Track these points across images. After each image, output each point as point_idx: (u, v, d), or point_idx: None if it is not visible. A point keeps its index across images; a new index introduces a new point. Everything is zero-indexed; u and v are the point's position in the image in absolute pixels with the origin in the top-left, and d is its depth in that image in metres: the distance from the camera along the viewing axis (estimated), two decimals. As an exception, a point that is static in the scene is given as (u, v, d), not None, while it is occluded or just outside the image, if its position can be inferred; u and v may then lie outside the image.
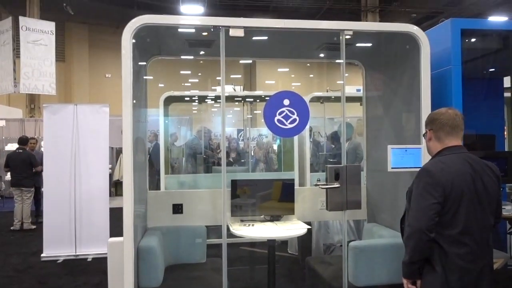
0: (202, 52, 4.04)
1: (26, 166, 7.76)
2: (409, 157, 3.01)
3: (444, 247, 2.14)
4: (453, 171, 2.18)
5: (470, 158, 2.25)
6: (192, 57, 4.64)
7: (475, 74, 4.25)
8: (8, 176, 9.13)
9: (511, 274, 3.33)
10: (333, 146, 7.28)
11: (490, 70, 4.41)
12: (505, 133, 5.39)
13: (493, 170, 2.27)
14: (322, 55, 4.08)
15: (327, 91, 7.39)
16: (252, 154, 8.81)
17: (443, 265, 2.14)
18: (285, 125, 3.04)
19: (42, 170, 6.45)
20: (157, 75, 5.11)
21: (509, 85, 5.03)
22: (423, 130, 3.07)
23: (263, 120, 3.16)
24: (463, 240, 2.14)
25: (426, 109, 3.12)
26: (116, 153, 11.73)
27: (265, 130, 11.26)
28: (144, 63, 3.85)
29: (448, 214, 2.14)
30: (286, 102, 3.04)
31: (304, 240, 5.22)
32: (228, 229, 3.51)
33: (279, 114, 3.03)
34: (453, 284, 2.13)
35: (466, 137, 2.37)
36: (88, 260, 5.91)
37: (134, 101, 3.06)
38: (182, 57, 4.53)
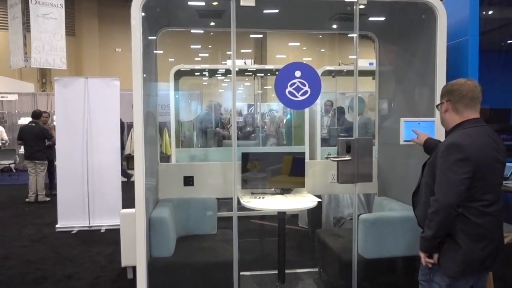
0: (212, 23, 3.97)
1: (39, 140, 7.86)
2: (422, 130, 2.94)
3: (470, 218, 2.14)
4: (480, 145, 2.16)
5: (490, 132, 2.25)
6: (202, 30, 4.59)
7: (491, 46, 4.13)
8: (22, 150, 9.29)
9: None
10: (337, 120, 7.29)
11: (508, 42, 4.28)
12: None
13: (503, 144, 2.29)
14: (334, 26, 3.99)
15: (339, 65, 7.29)
16: (264, 128, 8.80)
17: (467, 237, 2.15)
18: (297, 97, 3.00)
19: (54, 144, 6.53)
20: (167, 49, 5.06)
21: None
22: (438, 102, 3.04)
23: (273, 95, 3.12)
24: (488, 211, 2.15)
25: (441, 81, 3.05)
26: (127, 128, 11.80)
27: (275, 105, 11.20)
28: (154, 37, 3.81)
29: (476, 187, 2.13)
30: (298, 73, 2.99)
31: (314, 214, 5.25)
32: (238, 201, 3.53)
33: (291, 86, 2.99)
34: (477, 254, 2.15)
35: (480, 112, 2.32)
36: (102, 231, 6.03)
37: (144, 75, 3.04)
38: (192, 28, 4.47)
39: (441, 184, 2.16)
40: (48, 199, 7.97)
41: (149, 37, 3.54)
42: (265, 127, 9.27)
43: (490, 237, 2.17)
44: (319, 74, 3.17)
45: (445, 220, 2.14)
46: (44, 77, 17.03)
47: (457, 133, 2.26)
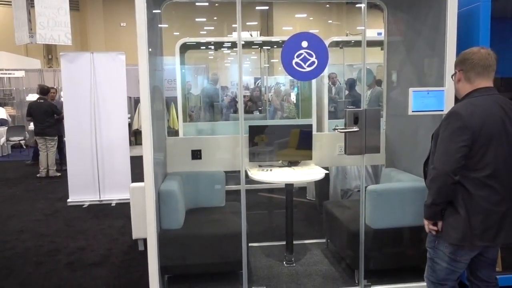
0: (217, -6, 3.90)
1: (48, 116, 7.92)
2: (431, 100, 2.92)
3: (469, 189, 2.14)
4: (483, 114, 2.12)
5: (502, 100, 2.19)
6: (206, 1, 4.50)
7: (504, 13, 4.00)
8: (31, 126, 9.36)
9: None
10: (347, 92, 7.18)
11: (522, 8, 4.14)
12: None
13: None
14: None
15: (346, 35, 7.16)
16: (269, 102, 8.76)
17: (467, 207, 2.15)
18: (303, 68, 2.96)
19: (63, 118, 6.58)
20: (171, 22, 4.99)
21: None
22: (447, 73, 2.99)
23: (280, 68, 3.07)
24: (489, 183, 2.13)
25: (451, 50, 2.99)
26: (134, 103, 11.82)
27: (282, 78, 11.11)
28: (158, 10, 3.75)
29: (476, 157, 2.12)
30: (305, 44, 2.94)
31: (322, 186, 5.28)
32: (246, 174, 3.55)
33: (297, 56, 2.94)
34: (476, 225, 2.14)
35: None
36: (112, 205, 6.13)
37: (150, 50, 3.01)
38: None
39: (439, 152, 2.17)
40: (59, 174, 8.09)
41: (154, 11, 3.49)
42: (271, 101, 9.23)
43: (492, 210, 2.13)
44: (326, 45, 3.11)
45: (443, 187, 2.14)
46: (50, 53, 17.00)
47: (461, 102, 2.25)
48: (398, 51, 3.96)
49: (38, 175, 8.13)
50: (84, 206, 6.11)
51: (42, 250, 4.44)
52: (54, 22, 11.57)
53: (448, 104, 2.92)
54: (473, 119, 2.10)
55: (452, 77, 2.39)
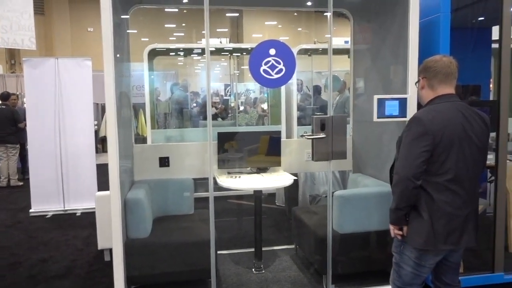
0: (185, 0, 3.88)
1: (10, 123, 7.63)
2: (395, 107, 3.00)
3: (432, 194, 2.18)
4: (445, 120, 2.17)
5: (462, 107, 2.24)
6: (175, 7, 4.48)
7: (463, 24, 4.17)
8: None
9: (489, 221, 3.46)
10: (312, 99, 7.33)
11: (479, 19, 4.33)
12: (491, 85, 5.39)
13: (484, 119, 2.27)
14: (309, 3, 3.96)
15: (314, 43, 7.29)
16: (240, 110, 8.78)
17: (430, 211, 2.19)
18: (271, 75, 2.98)
19: (25, 126, 6.36)
20: (140, 28, 4.93)
21: (497, 37, 4.96)
22: (410, 80, 3.08)
23: (250, 75, 3.08)
24: (451, 188, 2.18)
25: (413, 59, 3.08)
26: (101, 110, 11.57)
27: (251, 85, 11.16)
28: (126, 15, 3.70)
29: (437, 163, 2.16)
30: (272, 51, 2.97)
31: (291, 192, 5.31)
32: (215, 181, 3.53)
33: (265, 64, 2.96)
34: (440, 229, 2.19)
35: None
36: (77, 214, 5.95)
37: (118, 55, 2.96)
38: (165, 5, 4.36)
39: (401, 157, 2.22)
40: (21, 183, 7.80)
41: (121, 16, 3.44)
42: (241, 108, 9.25)
43: (455, 214, 2.19)
44: (295, 52, 3.15)
45: (405, 192, 2.18)
46: (13, 58, 16.46)
47: (423, 109, 2.30)
48: (364, 59, 4.06)
49: (-2, 184, 7.82)
50: (47, 216, 5.90)
51: (2, 263, 4.25)
52: (18, 26, 11.23)
53: (411, 111, 3.01)
54: (434, 124, 2.15)
55: (416, 84, 2.46)
